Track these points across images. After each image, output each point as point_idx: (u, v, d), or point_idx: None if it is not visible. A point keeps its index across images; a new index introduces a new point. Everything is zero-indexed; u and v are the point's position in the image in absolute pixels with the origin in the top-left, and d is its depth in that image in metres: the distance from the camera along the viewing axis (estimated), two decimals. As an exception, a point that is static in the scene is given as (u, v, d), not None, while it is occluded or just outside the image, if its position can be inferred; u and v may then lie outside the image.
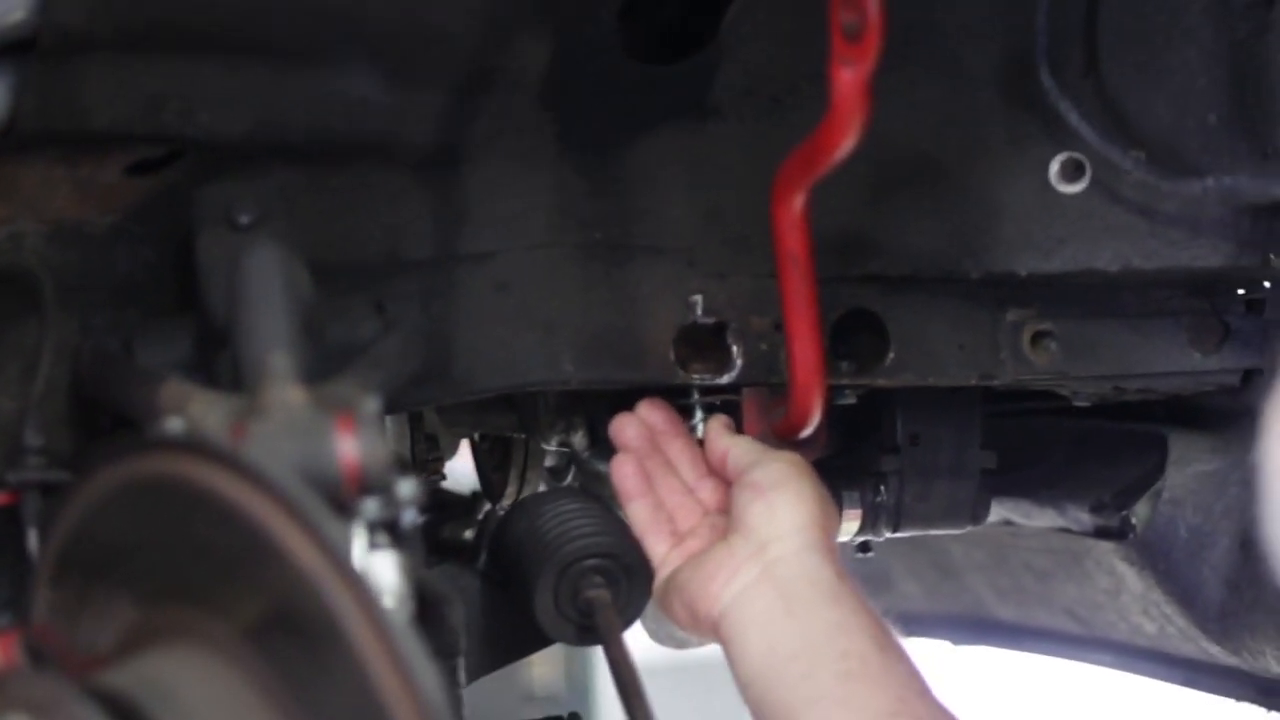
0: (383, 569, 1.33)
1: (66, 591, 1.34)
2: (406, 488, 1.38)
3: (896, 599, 2.98)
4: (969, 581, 2.76)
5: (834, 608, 1.70)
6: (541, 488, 2.40)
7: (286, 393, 1.36)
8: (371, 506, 1.35)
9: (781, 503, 1.75)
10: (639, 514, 1.85)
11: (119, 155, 1.63)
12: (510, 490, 2.33)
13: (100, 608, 1.30)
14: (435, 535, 2.27)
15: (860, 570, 2.86)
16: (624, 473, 1.86)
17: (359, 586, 1.11)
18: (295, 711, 1.14)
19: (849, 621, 1.68)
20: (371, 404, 1.39)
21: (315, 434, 1.32)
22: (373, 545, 1.34)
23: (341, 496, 1.32)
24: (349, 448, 1.31)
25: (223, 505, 1.15)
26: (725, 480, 1.85)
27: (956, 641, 2.93)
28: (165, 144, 1.62)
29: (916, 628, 2.97)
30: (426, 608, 1.58)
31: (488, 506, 2.35)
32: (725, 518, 1.82)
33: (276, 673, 1.15)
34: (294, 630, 1.14)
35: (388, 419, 2.02)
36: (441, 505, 2.37)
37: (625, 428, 1.88)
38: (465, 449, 2.55)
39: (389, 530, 1.37)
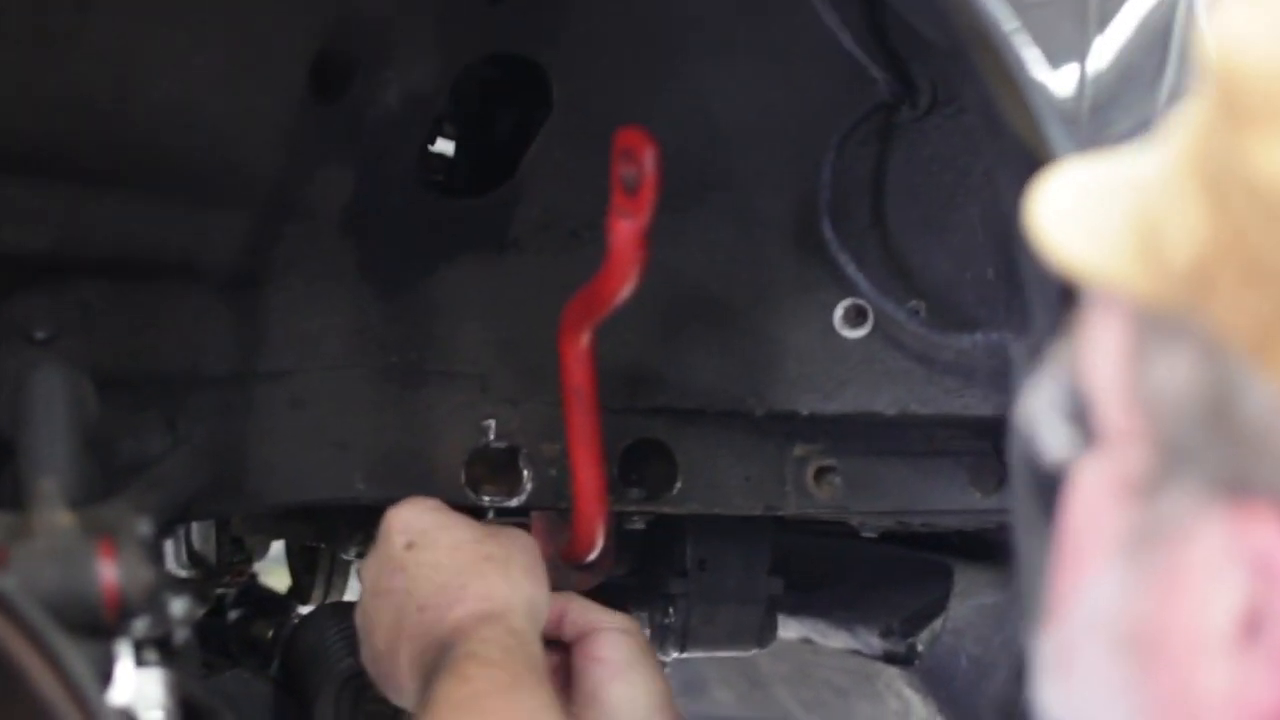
0: (149, 685, 1.38)
1: None
2: (179, 606, 1.43)
3: (711, 705, 3.03)
4: (776, 692, 2.82)
5: None
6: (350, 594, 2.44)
7: (54, 516, 1.41)
8: (140, 625, 1.40)
9: (640, 682, 1.75)
10: None
11: (-79, 263, 1.67)
12: (317, 594, 2.37)
13: None
14: (246, 632, 2.31)
15: (677, 676, 2.92)
16: None
17: (93, 714, 1.16)
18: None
19: None
20: (142, 526, 1.44)
21: (76, 559, 1.36)
22: (140, 662, 1.39)
23: (101, 619, 1.36)
24: (109, 572, 1.36)
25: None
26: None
27: (765, 750, 2.98)
28: (-33, 255, 1.66)
29: (729, 734, 3.03)
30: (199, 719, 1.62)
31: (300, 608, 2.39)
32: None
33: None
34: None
35: (195, 524, 2.07)
36: (256, 601, 2.42)
37: None
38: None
39: (160, 647, 1.41)
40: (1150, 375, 0.91)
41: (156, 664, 1.40)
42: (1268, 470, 0.87)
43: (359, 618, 1.74)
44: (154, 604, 1.40)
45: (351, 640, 1.83)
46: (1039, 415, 1.00)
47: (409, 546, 1.70)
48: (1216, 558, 0.88)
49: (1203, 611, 0.89)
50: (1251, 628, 0.89)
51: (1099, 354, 0.95)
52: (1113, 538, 0.94)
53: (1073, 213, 0.94)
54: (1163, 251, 0.89)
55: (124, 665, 1.37)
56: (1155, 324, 0.91)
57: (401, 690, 1.67)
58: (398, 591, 1.68)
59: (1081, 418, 0.96)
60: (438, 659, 1.58)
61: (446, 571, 1.67)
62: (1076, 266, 0.93)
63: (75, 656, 1.19)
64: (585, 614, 1.80)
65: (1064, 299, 1.30)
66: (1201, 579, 0.89)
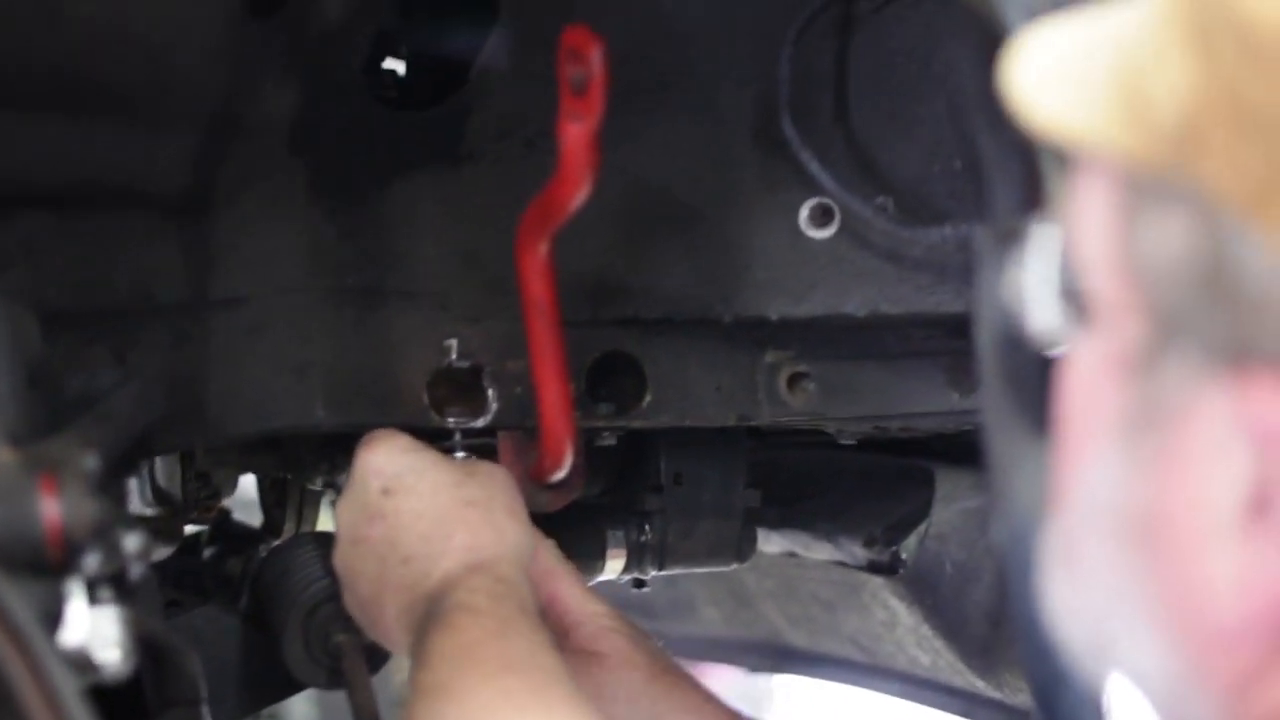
0: (105, 624, 1.33)
1: None
2: (133, 541, 1.38)
3: (700, 625, 3.00)
4: (763, 609, 2.79)
5: None
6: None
7: (-8, 453, 1.36)
8: (92, 562, 1.35)
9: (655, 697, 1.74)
10: None
11: None
12: (289, 528, 2.32)
13: None
14: (220, 569, 2.27)
15: (664, 596, 2.89)
16: None
17: (33, 654, 1.12)
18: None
19: None
20: (88, 461, 1.39)
21: (16, 496, 1.31)
22: (94, 600, 1.34)
23: (46, 557, 1.32)
24: (51, 508, 1.31)
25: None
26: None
27: (754, 668, 2.96)
28: (-97, 192, 1.62)
29: (718, 654, 3.00)
30: (161, 657, 1.58)
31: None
32: None
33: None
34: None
35: (160, 459, 2.03)
36: (231, 538, 2.38)
37: None
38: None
39: (115, 583, 1.37)
40: (1141, 242, 0.87)
41: (112, 602, 1.35)
42: (1269, 336, 0.83)
43: (339, 564, 1.72)
44: (103, 540, 1.35)
45: (315, 569, 1.80)
46: (1027, 292, 0.96)
47: (385, 492, 1.67)
48: (1219, 433, 0.85)
49: (1207, 492, 0.86)
50: (1259, 506, 0.85)
51: (1087, 223, 0.91)
52: (1111, 419, 0.91)
53: (1052, 73, 0.90)
54: (1149, 108, 0.84)
55: (76, 604, 1.32)
56: (1144, 187, 0.87)
57: (391, 640, 1.66)
58: (378, 541, 1.65)
59: (1073, 293, 0.92)
60: (427, 612, 1.56)
61: (428, 521, 1.64)
62: (1059, 129, 0.89)
63: (12, 595, 1.15)
64: (583, 606, 1.77)
65: (1029, 176, 1.26)
66: (1204, 457, 0.86)
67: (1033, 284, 0.95)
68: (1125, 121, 0.85)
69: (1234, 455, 0.84)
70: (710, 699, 1.74)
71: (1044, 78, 0.90)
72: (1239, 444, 0.84)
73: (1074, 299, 0.93)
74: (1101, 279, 0.90)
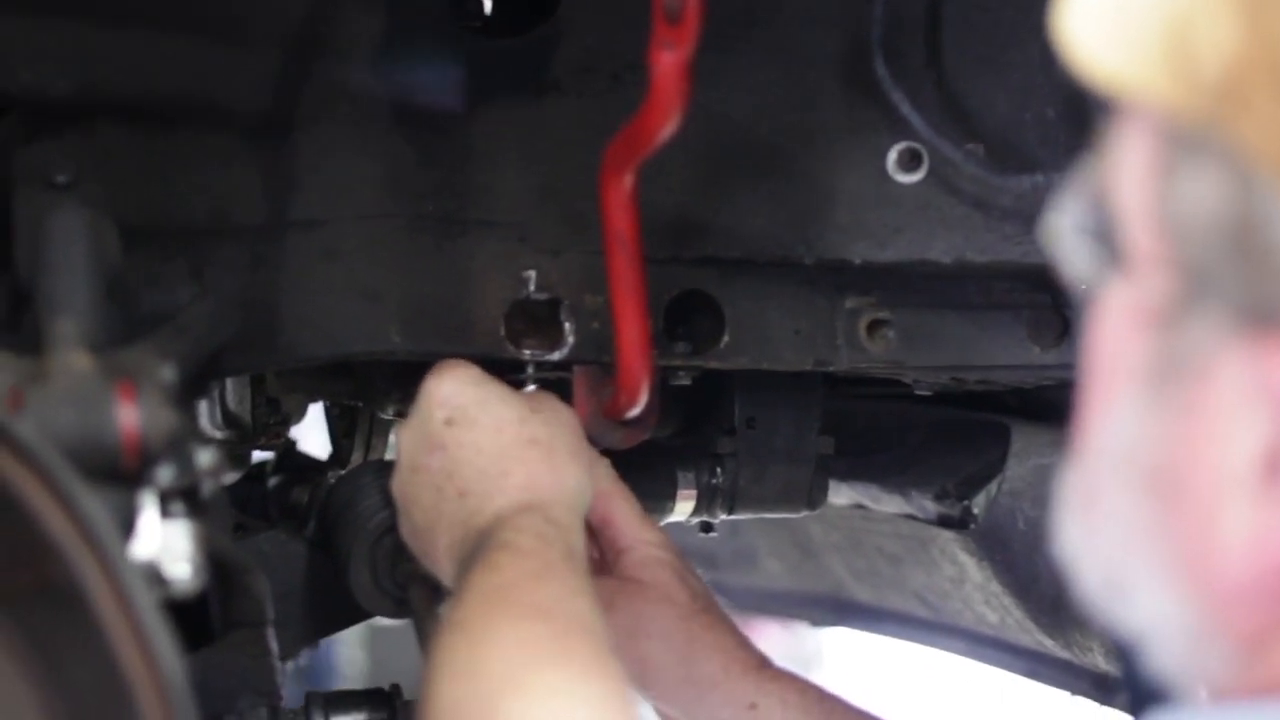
0: (175, 538, 1.33)
1: None
2: (206, 457, 1.38)
3: (761, 577, 2.98)
4: (828, 562, 2.77)
5: None
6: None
7: (72, 359, 1.35)
8: (166, 474, 1.34)
9: (684, 636, 1.76)
10: None
11: (-60, 109, 1.62)
12: (356, 457, 2.31)
13: None
14: (285, 498, 2.27)
15: (727, 547, 2.87)
16: None
17: (107, 558, 1.11)
18: (46, 680, 1.14)
19: None
20: (165, 372, 1.38)
21: (95, 402, 1.30)
22: (166, 513, 1.33)
23: (122, 465, 1.31)
24: (129, 416, 1.30)
25: (-21, 472, 1.15)
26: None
27: (816, 622, 2.94)
28: (-13, 100, 1.61)
29: (779, 606, 2.98)
30: (229, 577, 1.57)
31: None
32: None
33: (31, 641, 1.15)
34: (51, 600, 1.14)
35: (230, 381, 2.02)
36: (296, 467, 2.37)
37: None
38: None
39: (187, 499, 1.36)
40: (1175, 195, 0.88)
41: (183, 516, 1.34)
42: None
43: (396, 489, 1.71)
44: (178, 452, 1.34)
45: (386, 497, 1.78)
46: (1063, 234, 0.97)
47: (449, 423, 1.66)
48: (1238, 393, 0.87)
49: (1223, 449, 0.88)
50: (1273, 467, 0.87)
51: (1125, 171, 0.93)
52: (1135, 369, 0.93)
53: (1101, 18, 0.90)
54: (1194, 61, 0.86)
55: (149, 516, 1.32)
56: (1182, 140, 0.88)
57: (440, 570, 1.66)
58: (436, 471, 1.64)
59: (1107, 237, 0.94)
60: (475, 548, 1.55)
61: (488, 456, 1.64)
62: (1103, 74, 0.90)
63: (90, 499, 1.14)
64: (637, 532, 1.79)
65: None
66: (1222, 415, 0.88)
67: (1068, 229, 0.96)
68: (1169, 72, 0.86)
69: (1252, 415, 0.86)
70: (744, 644, 1.76)
71: (1093, 22, 0.91)
72: (1258, 404, 0.86)
73: (1108, 246, 0.94)
74: (1134, 229, 0.91)
